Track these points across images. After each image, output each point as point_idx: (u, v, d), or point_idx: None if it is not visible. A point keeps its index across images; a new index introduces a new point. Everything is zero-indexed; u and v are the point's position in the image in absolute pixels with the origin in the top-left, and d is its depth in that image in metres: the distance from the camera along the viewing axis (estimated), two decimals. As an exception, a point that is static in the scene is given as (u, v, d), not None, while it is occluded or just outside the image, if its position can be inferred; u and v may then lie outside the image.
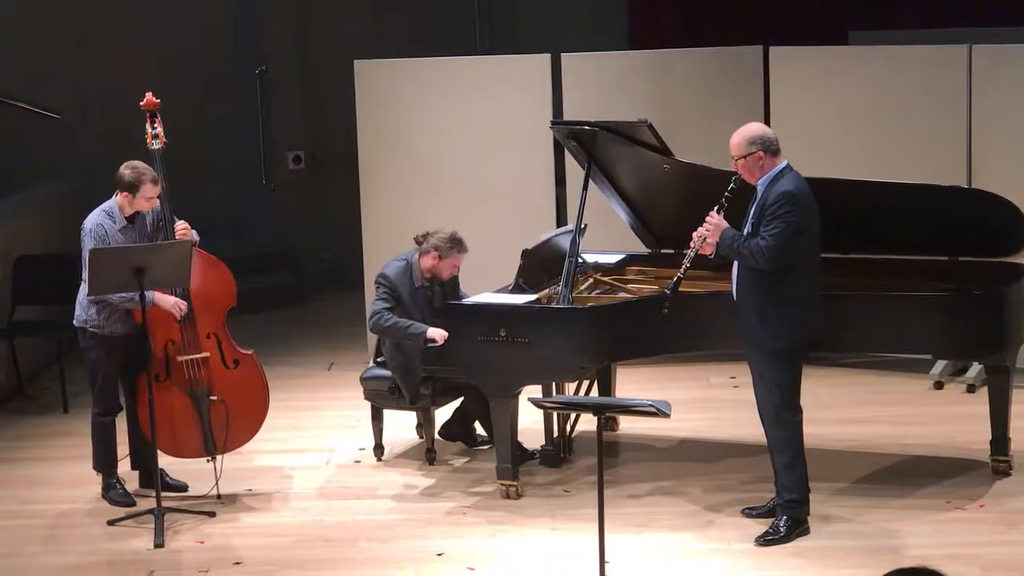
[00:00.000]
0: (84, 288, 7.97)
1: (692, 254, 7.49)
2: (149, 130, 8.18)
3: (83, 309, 8.01)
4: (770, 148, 7.31)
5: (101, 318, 7.96)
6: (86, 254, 7.82)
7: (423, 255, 8.45)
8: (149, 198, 7.96)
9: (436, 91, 10.48)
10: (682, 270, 7.56)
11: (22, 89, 12.00)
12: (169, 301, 7.95)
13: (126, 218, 7.99)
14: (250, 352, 8.24)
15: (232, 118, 12.98)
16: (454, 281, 8.61)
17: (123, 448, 8.25)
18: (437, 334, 8.11)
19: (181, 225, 8.05)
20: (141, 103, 8.22)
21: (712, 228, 7.34)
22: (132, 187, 7.93)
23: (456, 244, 8.43)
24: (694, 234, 7.42)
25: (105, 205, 8.01)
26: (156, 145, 8.18)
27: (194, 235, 8.07)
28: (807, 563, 7.16)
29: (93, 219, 7.96)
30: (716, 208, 7.37)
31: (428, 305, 8.44)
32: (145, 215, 8.05)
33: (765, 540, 7.38)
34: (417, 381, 8.42)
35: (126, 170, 7.96)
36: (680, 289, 7.69)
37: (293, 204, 13.15)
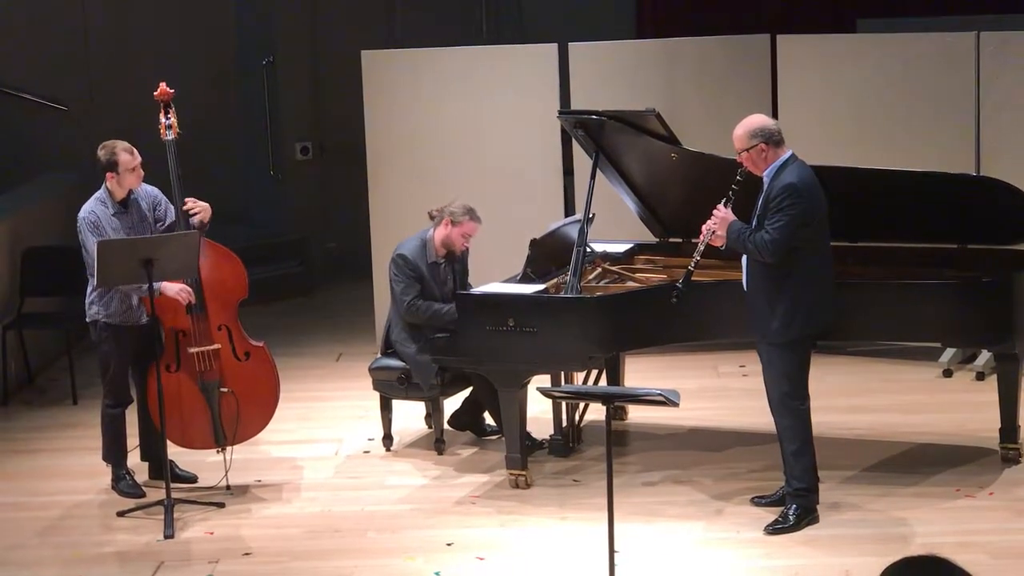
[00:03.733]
0: (91, 282, 7.96)
1: (702, 247, 7.48)
2: (163, 120, 8.16)
3: (93, 303, 8.01)
4: (772, 139, 7.28)
5: (111, 309, 7.96)
6: (89, 246, 7.81)
7: (437, 226, 8.47)
8: (132, 168, 7.93)
9: (444, 81, 10.48)
10: (693, 263, 7.54)
11: (29, 80, 12.01)
12: (174, 288, 7.94)
13: (119, 203, 7.98)
14: (260, 344, 8.24)
15: (240, 109, 12.99)
16: (464, 266, 8.60)
17: (133, 439, 8.26)
18: None
19: (195, 206, 8.04)
20: (155, 93, 8.20)
21: (719, 221, 7.33)
22: (111, 165, 7.92)
23: (469, 212, 8.44)
24: (703, 227, 7.41)
25: (97, 194, 8.00)
26: (169, 136, 8.16)
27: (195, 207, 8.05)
28: (816, 551, 7.17)
29: (86, 208, 7.95)
30: (723, 201, 7.36)
31: (443, 284, 8.47)
32: (139, 200, 8.04)
33: (774, 528, 7.38)
34: (433, 371, 8.41)
35: (100, 152, 7.96)
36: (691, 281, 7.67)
37: (301, 194, 13.17)
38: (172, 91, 8.21)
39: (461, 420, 8.91)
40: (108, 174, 7.94)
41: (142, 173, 8.01)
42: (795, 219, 7.16)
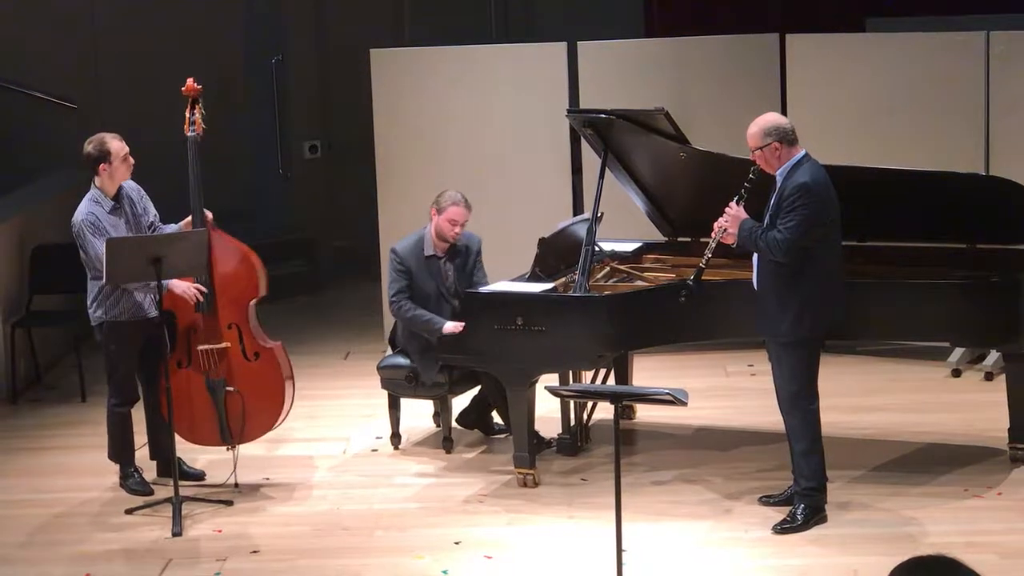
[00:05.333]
0: (93, 286, 7.95)
1: (713, 245, 7.47)
2: (188, 116, 8.15)
3: (98, 306, 7.99)
4: (786, 138, 7.27)
5: (120, 306, 7.95)
6: (92, 249, 7.79)
7: (431, 219, 8.48)
8: (124, 156, 7.93)
9: (452, 80, 10.48)
10: (704, 260, 7.54)
11: (38, 78, 12.02)
12: (182, 286, 7.94)
13: (112, 199, 7.97)
14: (271, 346, 8.17)
15: (248, 107, 12.99)
16: (468, 262, 8.57)
17: (140, 437, 8.26)
18: (454, 328, 8.13)
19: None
20: (183, 88, 8.18)
21: (731, 219, 7.32)
22: (103, 155, 7.90)
23: (453, 198, 8.44)
24: (715, 225, 7.40)
25: (88, 195, 7.97)
26: (192, 132, 8.14)
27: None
28: (824, 551, 7.16)
29: (82, 211, 7.92)
30: (735, 199, 7.35)
31: (443, 280, 8.47)
32: (130, 192, 8.03)
33: (782, 528, 7.37)
34: (436, 366, 8.40)
35: (87, 146, 7.94)
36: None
37: (309, 193, 13.17)
38: (200, 87, 8.19)
39: (469, 419, 8.91)
40: (101, 166, 7.92)
41: (132, 163, 8.00)
42: (808, 219, 7.15)
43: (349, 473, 8.46)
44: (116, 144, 7.94)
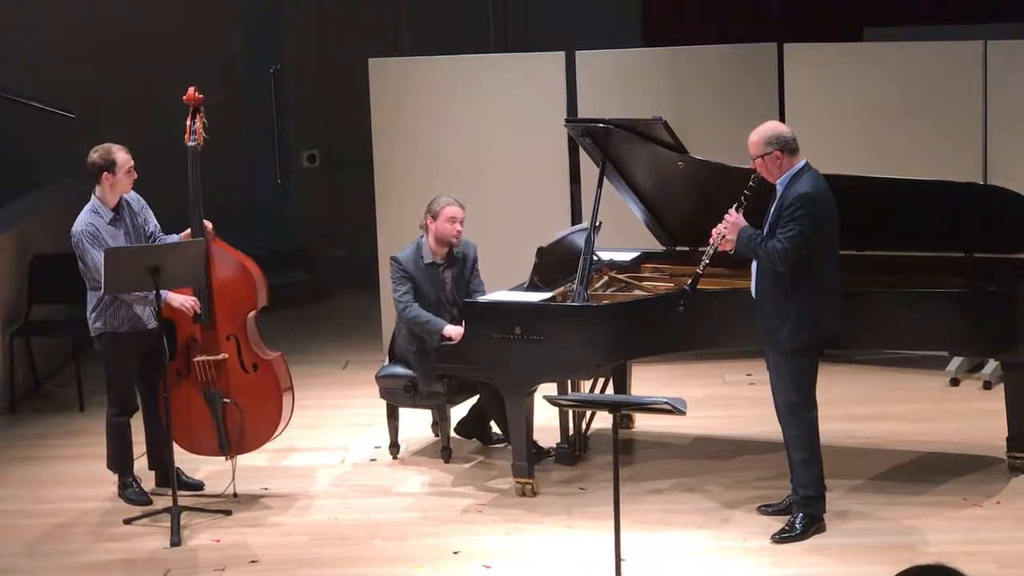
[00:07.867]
0: (92, 296, 7.95)
1: (711, 251, 7.48)
2: (188, 124, 8.15)
3: (97, 317, 7.99)
4: (787, 147, 7.28)
5: (118, 318, 7.96)
6: (90, 258, 7.80)
7: (427, 229, 8.49)
8: (128, 169, 7.94)
9: (451, 89, 10.48)
10: (701, 267, 7.55)
11: (37, 88, 12.03)
12: (179, 299, 7.95)
13: (112, 210, 7.98)
14: (270, 358, 8.15)
15: (247, 117, 12.99)
16: (465, 269, 8.58)
17: (139, 447, 8.26)
18: (453, 332, 8.15)
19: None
20: (184, 97, 8.19)
21: (730, 226, 7.32)
22: (108, 165, 7.91)
23: (444, 200, 8.44)
24: (713, 231, 7.41)
25: (88, 205, 7.98)
26: (192, 141, 8.14)
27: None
28: (823, 560, 7.16)
29: (81, 221, 7.93)
30: (735, 206, 7.35)
31: (442, 288, 8.48)
32: (131, 203, 8.04)
33: (781, 537, 7.37)
34: (433, 369, 8.40)
35: (93, 155, 7.95)
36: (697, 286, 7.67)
37: (308, 203, 13.17)
38: (201, 96, 8.19)
39: (467, 428, 8.91)
40: (104, 175, 7.92)
41: (135, 176, 8.01)
42: (808, 228, 7.16)
43: (348, 483, 8.46)
44: (122, 156, 7.95)
